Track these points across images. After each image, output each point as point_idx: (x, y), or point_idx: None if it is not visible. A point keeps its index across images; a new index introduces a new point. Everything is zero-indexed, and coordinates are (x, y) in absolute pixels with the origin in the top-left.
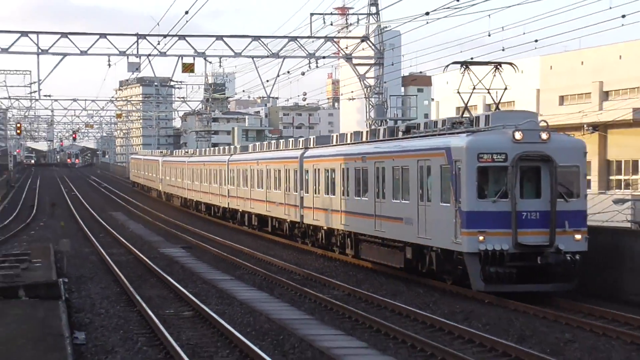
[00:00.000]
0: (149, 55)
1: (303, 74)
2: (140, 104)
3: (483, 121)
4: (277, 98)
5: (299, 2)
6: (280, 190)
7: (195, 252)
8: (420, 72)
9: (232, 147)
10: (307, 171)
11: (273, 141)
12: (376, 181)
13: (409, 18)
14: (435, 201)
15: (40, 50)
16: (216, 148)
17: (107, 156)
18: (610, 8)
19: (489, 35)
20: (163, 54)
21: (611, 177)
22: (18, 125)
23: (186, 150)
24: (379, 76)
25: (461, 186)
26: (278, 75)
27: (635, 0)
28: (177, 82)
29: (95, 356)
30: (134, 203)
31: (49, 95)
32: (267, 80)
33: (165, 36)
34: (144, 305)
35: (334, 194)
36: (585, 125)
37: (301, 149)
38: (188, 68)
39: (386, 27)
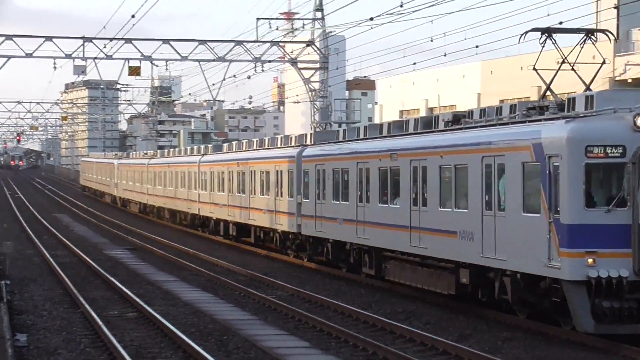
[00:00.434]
0: (95, 58)
1: (249, 77)
2: (86, 106)
3: (581, 103)
4: (223, 101)
5: (246, 7)
6: (269, 195)
7: (141, 254)
8: (365, 77)
9: (203, 146)
10: (307, 173)
11: (255, 140)
12: (413, 184)
13: (353, 23)
14: (512, 210)
15: None
16: (185, 148)
17: (52, 158)
18: (549, 15)
19: (432, 41)
20: (109, 57)
21: None
22: None
23: (145, 152)
24: (324, 80)
25: (560, 190)
26: (224, 79)
27: (573, 8)
28: (123, 85)
29: (37, 358)
30: (80, 206)
31: None
32: (213, 84)
33: (111, 39)
34: (88, 306)
35: (346, 200)
36: None
37: (297, 146)
38: (134, 71)
39: (331, 32)
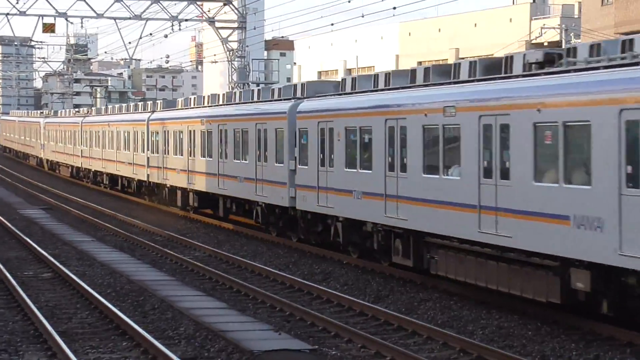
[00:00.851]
0: (8, 14)
1: (166, 36)
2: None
3: None
4: (139, 60)
5: None
6: (246, 160)
7: (56, 214)
8: (282, 37)
9: (151, 102)
10: (305, 132)
11: (236, 91)
12: (483, 147)
13: None
14: None
15: None
16: (129, 104)
17: None
18: None
19: (349, 2)
20: (22, 13)
21: None
22: None
23: (78, 109)
24: (242, 40)
25: None
26: (140, 37)
27: None
28: (37, 42)
29: None
30: None
31: None
32: (130, 42)
33: None
34: (1, 267)
35: (367, 169)
36: None
37: (287, 99)
38: (49, 28)
39: None
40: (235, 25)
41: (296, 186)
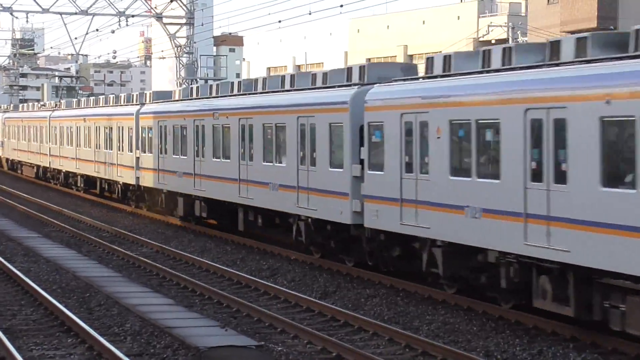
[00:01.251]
0: None
1: (113, 32)
2: None
3: None
4: (87, 55)
5: None
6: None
7: (1, 210)
8: (230, 33)
9: (136, 94)
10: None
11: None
12: None
13: None
14: None
15: None
16: (114, 95)
17: None
18: None
19: None
20: None
21: None
22: None
23: (43, 103)
24: (189, 36)
25: None
26: (87, 33)
27: None
28: None
29: None
30: None
31: None
32: (76, 38)
33: None
34: None
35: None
36: None
37: (354, 85)
38: None
39: None
40: (183, 21)
41: (364, 197)
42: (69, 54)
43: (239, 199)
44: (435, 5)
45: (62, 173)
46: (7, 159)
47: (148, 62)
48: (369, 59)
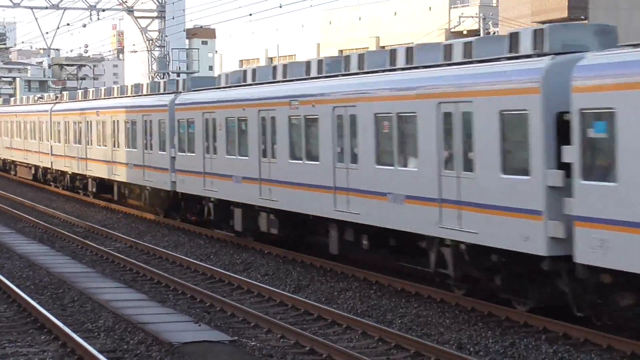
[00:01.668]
0: None
1: (84, 26)
2: None
3: None
4: (58, 50)
5: None
6: None
7: None
8: (201, 27)
9: (163, 81)
10: None
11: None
12: None
13: None
14: None
15: None
16: (129, 85)
17: None
18: None
19: None
20: None
21: None
22: None
23: (40, 95)
24: (161, 29)
25: None
26: (58, 27)
27: None
28: None
29: None
30: None
31: None
32: (47, 32)
33: None
34: None
35: None
36: None
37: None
38: None
39: None
40: (155, 14)
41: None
42: (40, 48)
43: (334, 212)
44: None
45: (68, 175)
46: None
47: (121, 55)
48: (341, 51)
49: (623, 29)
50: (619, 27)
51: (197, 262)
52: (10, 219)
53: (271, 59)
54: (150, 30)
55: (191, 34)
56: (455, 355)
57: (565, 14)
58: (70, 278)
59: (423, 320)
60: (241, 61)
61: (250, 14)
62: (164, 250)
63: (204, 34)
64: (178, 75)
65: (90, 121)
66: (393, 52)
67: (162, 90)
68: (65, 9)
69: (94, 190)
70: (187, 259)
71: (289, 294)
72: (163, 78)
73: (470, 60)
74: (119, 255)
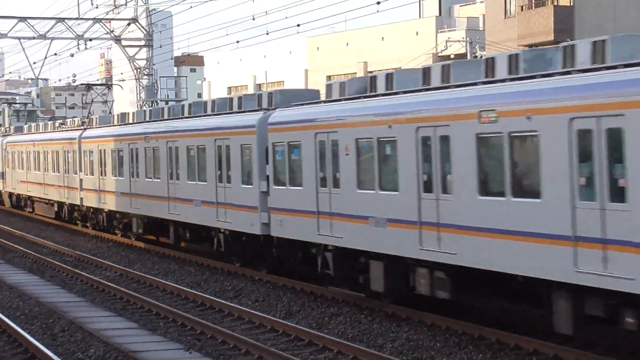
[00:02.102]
0: None
1: (72, 55)
2: None
3: None
4: (47, 79)
5: None
6: None
7: None
8: (188, 54)
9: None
10: None
11: None
12: None
13: (177, 0)
14: None
15: None
16: (185, 104)
17: None
18: None
19: (254, 19)
20: None
21: None
22: None
23: (61, 122)
24: (149, 58)
25: None
26: (46, 57)
27: None
28: None
29: None
30: None
31: None
32: (35, 62)
33: None
34: None
35: None
36: None
37: None
38: None
39: (154, 9)
40: (142, 43)
41: None
42: (29, 78)
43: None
44: (394, 21)
45: (104, 214)
46: (10, 194)
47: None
48: (329, 76)
49: None
50: None
51: (187, 289)
52: (0, 250)
53: (259, 85)
54: (138, 59)
55: (179, 61)
56: None
57: (551, 37)
58: (61, 307)
59: (414, 344)
60: (229, 88)
61: (238, 41)
62: (154, 278)
63: (192, 61)
64: (166, 103)
65: (136, 149)
66: (373, 79)
67: (237, 108)
68: (52, 38)
69: (140, 231)
70: (178, 286)
71: (280, 320)
72: (151, 106)
73: (447, 85)
74: (109, 284)
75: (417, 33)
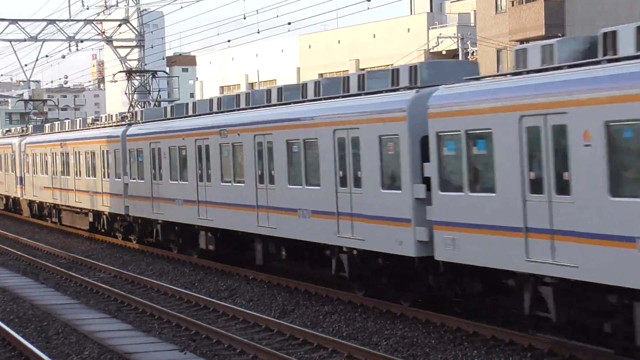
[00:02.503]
0: None
1: (64, 57)
2: None
3: None
4: (39, 81)
5: None
6: None
7: None
8: (180, 54)
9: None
10: None
11: None
12: None
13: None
14: None
15: None
16: (212, 98)
17: None
18: None
19: (245, 18)
20: None
21: None
22: None
23: (95, 118)
24: (141, 58)
25: None
26: (37, 59)
27: None
28: None
29: None
30: None
31: None
32: (26, 65)
33: None
34: None
35: None
36: None
37: None
38: None
39: (145, 10)
40: (134, 44)
41: None
42: (21, 81)
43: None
44: (385, 18)
45: (159, 225)
46: (30, 203)
47: (102, 84)
48: (321, 74)
49: None
50: None
51: (181, 290)
52: None
53: (252, 84)
54: (129, 60)
55: (171, 61)
56: None
57: (542, 32)
58: (55, 310)
59: (409, 342)
60: (222, 87)
61: (229, 40)
62: (148, 279)
63: (184, 61)
64: (159, 104)
65: (206, 146)
66: (304, 86)
67: (358, 90)
68: (44, 40)
69: (211, 247)
70: (172, 287)
71: (274, 319)
72: (143, 107)
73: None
74: (103, 285)
75: (408, 30)
